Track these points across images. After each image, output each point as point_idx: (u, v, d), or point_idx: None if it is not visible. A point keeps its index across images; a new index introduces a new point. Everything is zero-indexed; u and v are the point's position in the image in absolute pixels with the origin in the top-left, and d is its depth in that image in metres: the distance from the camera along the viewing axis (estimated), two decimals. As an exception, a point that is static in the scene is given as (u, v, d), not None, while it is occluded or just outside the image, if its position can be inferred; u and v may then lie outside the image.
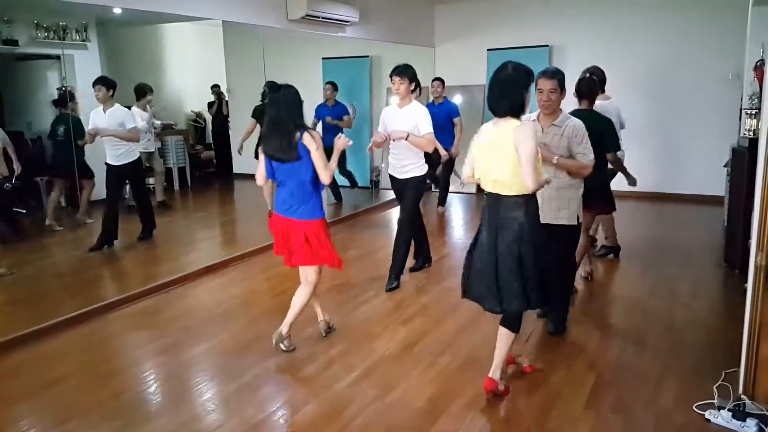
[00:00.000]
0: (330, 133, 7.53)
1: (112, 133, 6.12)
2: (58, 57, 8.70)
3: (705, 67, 7.88)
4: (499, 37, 8.86)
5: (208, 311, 4.59)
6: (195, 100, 11.13)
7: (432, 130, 4.61)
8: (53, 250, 6.53)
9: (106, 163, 6.26)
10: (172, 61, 10.72)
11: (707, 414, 2.92)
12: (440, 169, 7.61)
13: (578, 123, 3.57)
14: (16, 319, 4.36)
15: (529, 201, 2.93)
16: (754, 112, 4.72)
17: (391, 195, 7.88)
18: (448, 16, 9.43)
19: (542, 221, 3.32)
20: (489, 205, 3.01)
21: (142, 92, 7.56)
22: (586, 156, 3.54)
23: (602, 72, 5.35)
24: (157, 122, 7.96)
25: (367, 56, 9.36)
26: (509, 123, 2.88)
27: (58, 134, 7.23)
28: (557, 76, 3.51)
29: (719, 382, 3.18)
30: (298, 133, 3.43)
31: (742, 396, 2.91)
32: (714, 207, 7.40)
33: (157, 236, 6.99)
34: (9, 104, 9.10)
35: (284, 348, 3.73)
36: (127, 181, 6.53)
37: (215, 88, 10.84)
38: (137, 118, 6.75)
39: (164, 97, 9.15)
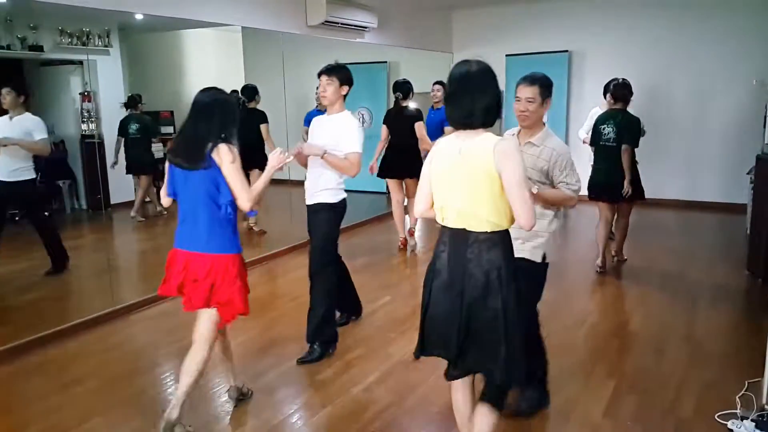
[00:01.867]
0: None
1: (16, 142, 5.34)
2: (81, 62, 8.84)
3: (728, 73, 7.79)
4: (518, 43, 8.84)
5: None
6: (214, 105, 11.23)
7: (360, 151, 3.65)
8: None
9: None
10: (193, 67, 10.84)
11: (729, 424, 2.88)
12: None
13: (562, 147, 2.93)
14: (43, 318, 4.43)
15: (505, 238, 2.25)
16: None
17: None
18: (466, 22, 9.43)
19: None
20: (450, 243, 2.28)
21: (134, 103, 7.66)
22: (571, 187, 2.89)
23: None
24: None
25: (385, 62, 9.39)
26: (482, 137, 2.20)
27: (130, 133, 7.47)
28: (538, 82, 2.85)
29: (742, 392, 3.13)
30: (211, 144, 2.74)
31: (766, 406, 2.86)
32: (735, 215, 7.31)
33: (170, 242, 7.07)
34: (33, 108, 9.26)
35: None
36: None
37: (233, 93, 10.92)
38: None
39: (184, 104, 9.19)
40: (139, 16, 7.32)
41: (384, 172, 6.38)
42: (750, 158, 7.07)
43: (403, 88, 6.17)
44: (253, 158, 6.00)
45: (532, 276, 2.88)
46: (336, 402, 3.22)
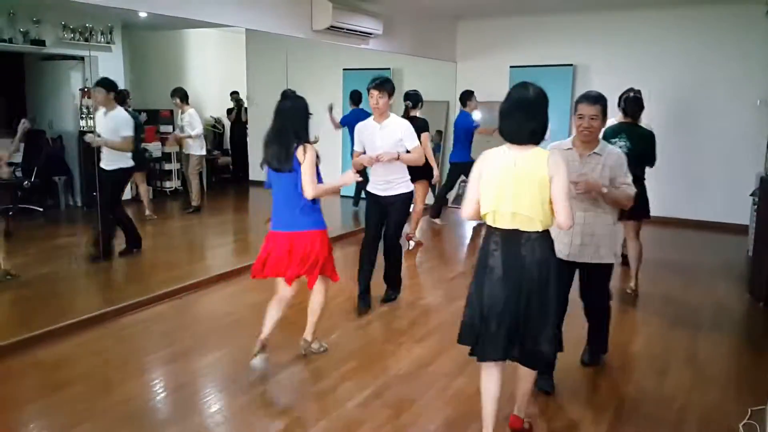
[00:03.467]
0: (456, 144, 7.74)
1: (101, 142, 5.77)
2: (82, 58, 8.78)
3: (732, 92, 7.77)
4: (522, 55, 8.80)
5: (219, 320, 4.55)
6: (215, 106, 11.18)
7: (419, 143, 4.55)
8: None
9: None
10: (195, 66, 10.79)
11: (733, 453, 2.81)
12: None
13: (620, 152, 3.31)
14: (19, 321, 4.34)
15: (549, 236, 2.65)
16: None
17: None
18: (471, 31, 9.39)
19: (579, 260, 3.31)
20: (504, 243, 2.60)
21: (121, 98, 7.55)
22: (631, 186, 3.25)
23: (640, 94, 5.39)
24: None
25: (389, 68, 9.34)
26: (534, 151, 2.56)
27: None
28: (600, 101, 3.18)
29: (745, 420, 3.07)
30: (295, 145, 3.41)
31: (771, 436, 2.80)
32: (736, 235, 7.26)
33: (170, 242, 6.99)
34: (32, 103, 9.20)
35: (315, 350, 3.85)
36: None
37: (234, 94, 10.88)
38: None
39: (189, 102, 9.14)
40: (143, 14, 7.26)
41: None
42: (752, 178, 7.07)
43: (414, 99, 6.35)
44: None
45: (608, 273, 3.44)
46: (331, 416, 3.14)
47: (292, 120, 3.43)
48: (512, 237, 2.59)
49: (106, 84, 5.97)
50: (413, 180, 6.44)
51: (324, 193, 3.49)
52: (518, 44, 8.93)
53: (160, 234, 7.42)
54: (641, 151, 4.66)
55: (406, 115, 6.25)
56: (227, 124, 11.31)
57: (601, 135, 3.32)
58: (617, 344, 4.18)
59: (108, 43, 8.74)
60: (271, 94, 7.71)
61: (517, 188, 2.54)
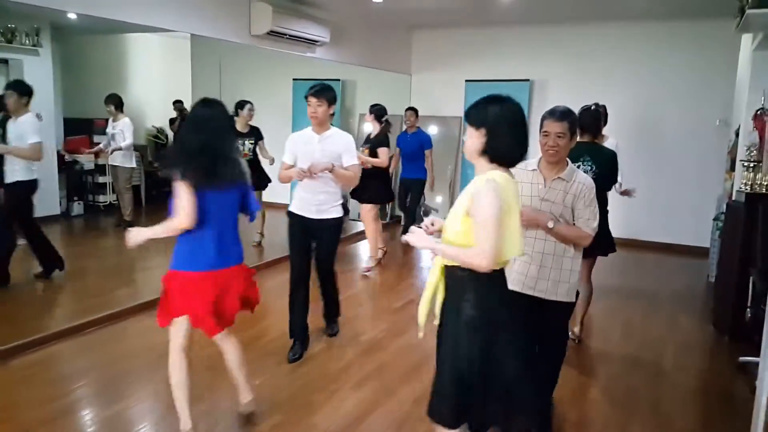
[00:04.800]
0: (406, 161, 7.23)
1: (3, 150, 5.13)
2: (6, 61, 8.10)
3: (691, 111, 7.54)
4: (479, 69, 8.46)
5: (136, 359, 3.97)
6: (158, 115, 10.54)
7: (358, 162, 4.05)
8: None
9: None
10: (136, 73, 10.15)
11: None
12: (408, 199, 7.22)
13: (590, 181, 2.87)
14: None
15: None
16: (752, 164, 4.31)
17: (359, 226, 7.39)
18: (426, 43, 9.02)
19: (535, 294, 2.87)
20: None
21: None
22: (590, 223, 2.82)
23: (605, 109, 4.92)
24: None
25: (338, 80, 8.90)
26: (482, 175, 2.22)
27: None
28: (568, 117, 2.80)
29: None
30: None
31: None
32: (698, 259, 7.02)
33: (92, 264, 6.35)
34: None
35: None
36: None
37: (177, 104, 10.26)
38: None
39: (126, 110, 8.52)
40: (72, 16, 6.66)
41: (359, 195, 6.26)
42: (713, 200, 6.83)
43: (379, 113, 6.18)
44: None
45: (565, 314, 3.05)
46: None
47: (231, 122, 3.00)
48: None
49: (19, 87, 5.38)
50: (363, 201, 6.19)
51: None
52: (475, 57, 8.59)
53: (82, 255, 6.74)
54: (606, 173, 4.09)
55: (383, 132, 6.17)
56: (171, 134, 10.68)
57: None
58: (574, 387, 3.77)
59: (34, 45, 8.07)
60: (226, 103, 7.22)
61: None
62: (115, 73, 9.81)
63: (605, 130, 4.99)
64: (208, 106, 2.79)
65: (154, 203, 9.65)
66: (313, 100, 3.84)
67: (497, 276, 2.19)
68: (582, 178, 2.85)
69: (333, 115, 3.93)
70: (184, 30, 5.62)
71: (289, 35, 6.04)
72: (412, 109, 7.11)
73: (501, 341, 2.14)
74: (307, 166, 3.83)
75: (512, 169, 2.74)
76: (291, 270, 4.08)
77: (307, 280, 4.07)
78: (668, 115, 7.69)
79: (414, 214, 7.32)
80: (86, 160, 8.97)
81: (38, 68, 8.18)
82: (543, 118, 2.84)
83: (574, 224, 2.82)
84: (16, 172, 5.05)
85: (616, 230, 4.54)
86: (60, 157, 8.69)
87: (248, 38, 5.85)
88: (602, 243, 4.25)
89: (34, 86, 7.93)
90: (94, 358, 4.02)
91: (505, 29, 8.35)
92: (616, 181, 4.29)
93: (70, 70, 9.22)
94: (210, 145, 2.69)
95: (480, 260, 2.04)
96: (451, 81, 8.66)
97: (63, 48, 9.00)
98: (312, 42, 6.50)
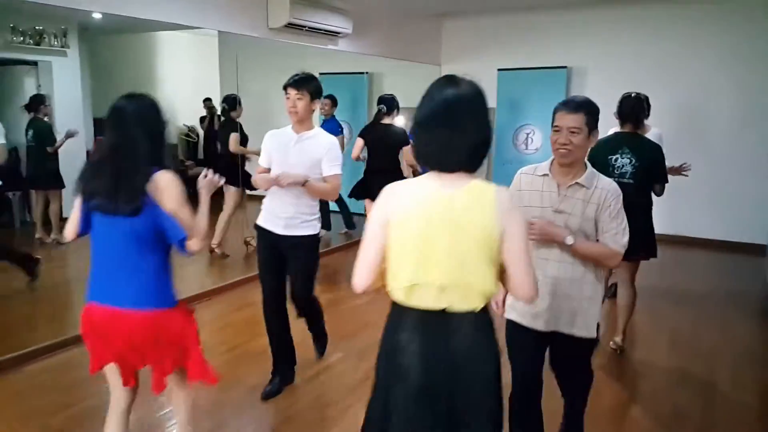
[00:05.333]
0: None
1: None
2: (35, 63, 8.11)
3: (745, 98, 6.99)
4: (511, 57, 8.06)
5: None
6: (188, 114, 10.49)
7: (341, 172, 3.27)
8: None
9: None
10: (166, 72, 10.10)
11: None
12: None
13: (614, 187, 2.35)
14: None
15: (488, 315, 1.79)
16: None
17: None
18: (456, 32, 8.65)
19: (544, 329, 2.42)
20: (423, 330, 1.73)
21: (35, 104, 6.78)
22: (618, 239, 2.31)
23: (647, 99, 4.58)
24: None
25: (365, 73, 8.62)
26: (471, 184, 1.70)
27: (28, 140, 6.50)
28: (584, 108, 2.30)
29: None
30: (146, 172, 2.17)
31: None
32: (751, 256, 6.50)
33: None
34: (-14, 112, 8.53)
35: None
36: None
37: (207, 102, 10.20)
38: None
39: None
40: (97, 15, 6.61)
41: (359, 192, 5.86)
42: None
43: (389, 104, 5.59)
44: (229, 174, 5.58)
45: (586, 350, 2.52)
46: None
47: (138, 131, 2.17)
48: (437, 321, 1.71)
49: None
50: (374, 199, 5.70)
51: (205, 231, 2.28)
52: (508, 45, 8.19)
53: (68, 264, 6.54)
54: (649, 167, 3.75)
55: (376, 122, 5.66)
56: (201, 133, 10.63)
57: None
58: (612, 406, 3.41)
59: (63, 47, 8.05)
60: (247, 100, 7.05)
61: (453, 245, 1.67)
62: (145, 72, 9.78)
63: (648, 121, 4.61)
64: (127, 101, 2.23)
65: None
66: (292, 91, 3.16)
67: (398, 311, 1.76)
68: (605, 184, 2.35)
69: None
70: (199, 25, 5.45)
71: (309, 27, 5.79)
72: None
73: (395, 396, 1.75)
74: (280, 168, 3.21)
75: (522, 174, 2.40)
76: (263, 294, 3.47)
77: (280, 303, 3.46)
78: (719, 102, 7.15)
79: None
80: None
81: (66, 69, 8.17)
82: (555, 110, 2.37)
83: (597, 240, 2.35)
84: None
85: (660, 226, 4.16)
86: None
87: (266, 32, 5.63)
88: (646, 244, 3.96)
89: (63, 88, 8.01)
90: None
91: (539, 14, 7.92)
92: (662, 176, 3.89)
93: (99, 71, 9.21)
94: (114, 148, 2.18)
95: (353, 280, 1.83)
96: (483, 71, 8.24)
97: (91, 48, 8.98)
98: (334, 34, 6.24)
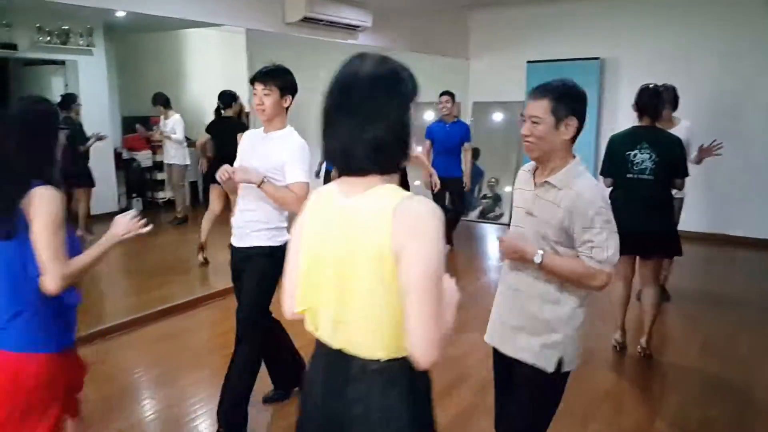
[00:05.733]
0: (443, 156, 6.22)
1: None
2: (63, 62, 8.19)
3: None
4: (541, 49, 7.77)
5: (124, 379, 3.71)
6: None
7: (307, 180, 2.79)
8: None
9: None
10: (194, 69, 10.10)
11: None
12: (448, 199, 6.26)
13: (592, 191, 1.93)
14: None
15: (410, 370, 1.31)
16: None
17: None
18: (483, 24, 8.40)
19: (501, 349, 2.09)
20: (324, 370, 1.42)
21: (66, 103, 6.76)
22: (597, 254, 1.90)
23: (674, 90, 4.45)
24: None
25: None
26: (377, 190, 1.32)
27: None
28: (550, 94, 1.94)
29: None
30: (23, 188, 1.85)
31: None
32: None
33: (130, 265, 6.20)
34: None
35: None
36: None
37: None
38: None
39: (183, 108, 8.46)
40: (120, 14, 6.64)
41: None
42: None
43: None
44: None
45: (537, 391, 2.01)
46: None
47: (20, 141, 1.88)
48: (336, 363, 1.37)
49: None
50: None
51: (79, 272, 1.90)
52: (537, 36, 7.91)
53: (128, 253, 6.59)
54: (670, 161, 3.60)
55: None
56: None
57: (574, 150, 2.03)
58: (637, 419, 3.18)
59: (89, 46, 8.11)
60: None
61: (343, 271, 1.32)
62: (173, 70, 9.79)
63: (677, 113, 4.39)
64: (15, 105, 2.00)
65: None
66: (258, 86, 2.77)
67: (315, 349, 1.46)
68: (583, 187, 1.93)
69: (288, 108, 2.83)
70: (213, 21, 5.41)
71: (326, 21, 5.65)
72: (449, 94, 6.17)
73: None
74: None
75: (521, 170, 2.14)
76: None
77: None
78: (760, 94, 6.74)
79: (458, 217, 6.57)
80: (144, 157, 9.00)
81: (93, 68, 8.23)
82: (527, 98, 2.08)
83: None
84: None
85: (695, 223, 3.92)
86: (117, 155, 8.75)
87: (282, 26, 5.52)
88: (665, 243, 3.77)
89: (89, 86, 8.06)
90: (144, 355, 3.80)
91: (571, 3, 7.63)
92: (682, 170, 3.71)
93: (126, 69, 9.27)
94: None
95: None
96: (512, 63, 8.01)
97: (117, 47, 9.05)
98: (353, 28, 6.09)
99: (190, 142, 7.85)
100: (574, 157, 2.01)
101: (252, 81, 2.82)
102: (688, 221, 4.03)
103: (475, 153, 7.27)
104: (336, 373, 1.36)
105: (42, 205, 1.80)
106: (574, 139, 1.97)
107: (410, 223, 1.24)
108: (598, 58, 7.50)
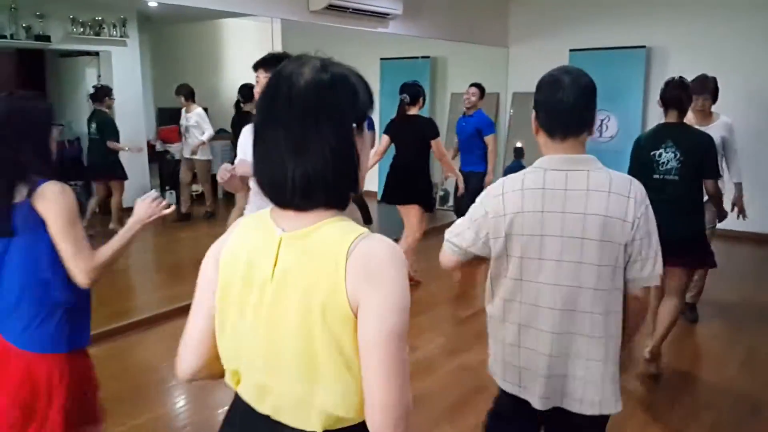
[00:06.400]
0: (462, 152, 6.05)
1: None
2: (97, 53, 8.22)
3: None
4: (584, 36, 7.37)
5: (139, 378, 3.61)
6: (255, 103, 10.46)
7: None
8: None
9: None
10: (229, 60, 10.04)
11: None
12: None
13: (638, 192, 1.73)
14: None
15: None
16: None
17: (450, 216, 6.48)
18: (523, 10, 8.03)
19: (545, 406, 1.73)
20: None
21: (98, 96, 6.76)
22: (638, 282, 1.74)
23: (715, 81, 4.07)
24: None
25: (428, 57, 8.18)
26: (316, 226, 1.07)
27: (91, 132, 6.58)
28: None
29: None
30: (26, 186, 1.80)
31: None
32: None
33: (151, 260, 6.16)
34: (53, 102, 8.74)
35: None
36: None
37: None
38: None
39: (220, 99, 8.43)
40: (153, 4, 6.60)
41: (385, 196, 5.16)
42: None
43: (412, 92, 4.86)
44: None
45: None
46: None
47: (15, 138, 1.82)
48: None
49: None
50: (405, 202, 4.85)
51: (108, 263, 1.87)
52: (580, 23, 7.51)
53: (149, 248, 6.57)
54: (695, 161, 3.29)
55: (400, 114, 4.94)
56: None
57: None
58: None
59: (122, 37, 8.10)
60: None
61: (274, 326, 1.07)
62: (208, 61, 9.75)
63: (716, 107, 4.04)
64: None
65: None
66: (261, 74, 2.62)
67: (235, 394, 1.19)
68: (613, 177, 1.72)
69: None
70: (238, 10, 5.26)
71: (352, 9, 5.44)
72: (477, 86, 5.86)
73: None
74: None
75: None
76: None
77: None
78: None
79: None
80: (177, 149, 9.00)
81: (126, 59, 8.22)
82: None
83: None
84: None
85: (745, 222, 3.61)
86: (151, 147, 8.76)
87: (306, 15, 5.35)
88: (693, 248, 3.40)
89: (123, 78, 8.07)
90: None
91: (617, -11, 7.21)
92: (713, 171, 3.38)
93: (161, 60, 9.26)
94: None
95: None
96: (554, 52, 7.60)
97: (151, 38, 9.02)
98: (382, 15, 5.85)
99: (227, 135, 7.81)
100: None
101: (255, 67, 2.67)
102: (734, 219, 3.68)
103: (518, 152, 6.91)
104: None
105: (54, 201, 1.78)
106: None
107: (368, 270, 1.02)
108: (645, 46, 7.07)
